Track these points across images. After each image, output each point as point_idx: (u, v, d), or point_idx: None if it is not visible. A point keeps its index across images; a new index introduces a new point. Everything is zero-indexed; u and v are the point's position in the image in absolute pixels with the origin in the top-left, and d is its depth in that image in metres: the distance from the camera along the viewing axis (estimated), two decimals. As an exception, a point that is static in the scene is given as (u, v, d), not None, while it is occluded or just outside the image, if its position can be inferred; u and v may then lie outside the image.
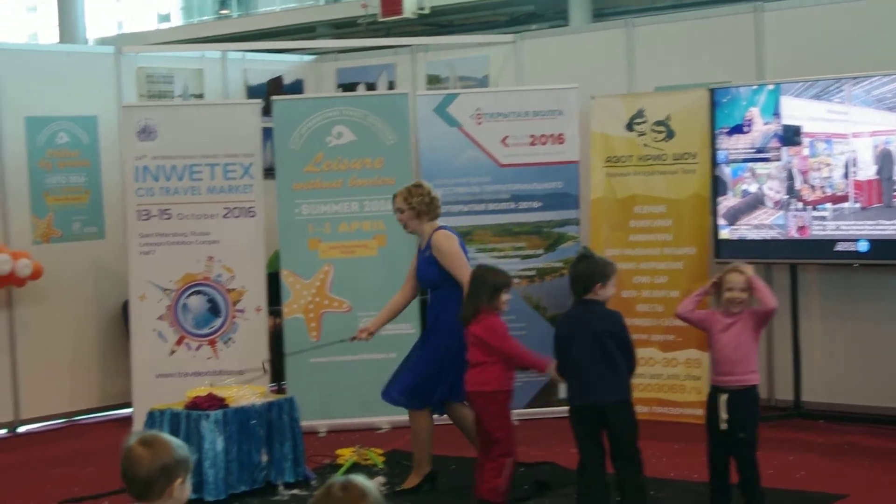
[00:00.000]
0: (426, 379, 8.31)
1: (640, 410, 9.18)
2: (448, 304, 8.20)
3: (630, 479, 7.03)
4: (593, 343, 6.99)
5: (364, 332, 8.73)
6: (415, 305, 10.29)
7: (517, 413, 10.13)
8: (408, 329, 10.33)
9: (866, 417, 9.84)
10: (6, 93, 10.95)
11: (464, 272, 8.09)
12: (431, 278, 8.38)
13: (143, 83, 11.93)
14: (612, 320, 7.12)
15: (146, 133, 10.61)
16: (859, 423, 9.76)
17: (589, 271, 7.11)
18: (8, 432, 11.03)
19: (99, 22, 31.99)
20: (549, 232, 10.46)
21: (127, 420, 10.72)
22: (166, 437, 4.28)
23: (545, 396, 10.41)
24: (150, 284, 10.62)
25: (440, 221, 8.50)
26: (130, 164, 10.64)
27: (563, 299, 9.43)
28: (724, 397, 7.00)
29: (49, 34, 33.92)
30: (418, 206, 8.39)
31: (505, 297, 7.67)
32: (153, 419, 8.45)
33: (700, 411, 9.74)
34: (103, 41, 29.86)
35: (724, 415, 6.98)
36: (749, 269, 7.16)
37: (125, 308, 11.11)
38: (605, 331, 7.02)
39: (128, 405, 10.90)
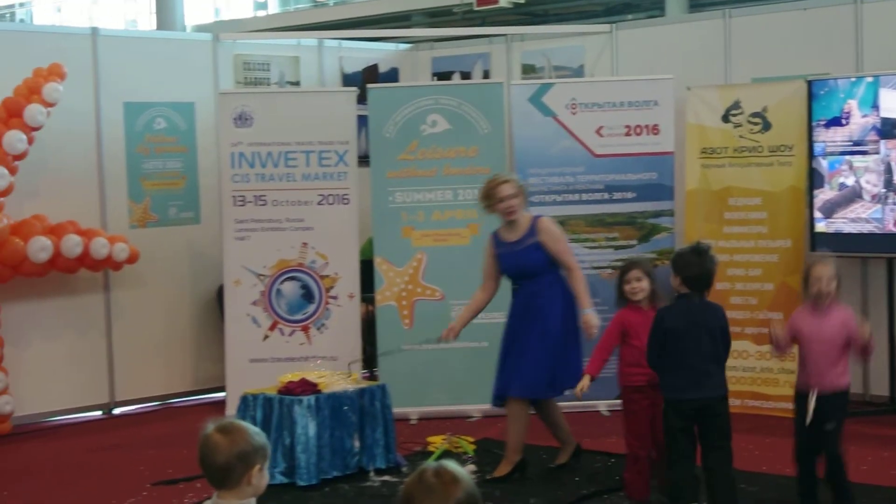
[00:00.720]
0: (548, 368, 8.33)
1: (733, 403, 9.13)
2: (555, 289, 8.34)
3: (722, 472, 7.00)
4: (708, 339, 6.96)
5: (450, 333, 8.75)
6: (506, 293, 10.32)
7: (608, 404, 10.14)
8: (499, 318, 10.33)
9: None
10: (106, 78, 11.09)
11: (572, 256, 8.42)
12: (538, 264, 8.38)
13: (240, 70, 12.03)
14: (722, 316, 7.10)
15: (242, 120, 10.70)
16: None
17: (712, 268, 7.08)
18: (103, 414, 11.18)
19: (196, 9, 32.28)
20: (643, 223, 10.42)
21: (220, 404, 10.82)
22: (244, 423, 4.32)
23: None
24: (245, 270, 10.71)
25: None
26: (226, 150, 10.74)
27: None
28: (813, 394, 6.97)
29: (147, 21, 34.23)
30: (525, 194, 8.54)
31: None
32: (246, 403, 8.53)
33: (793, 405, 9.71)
34: (201, 28, 30.17)
35: (811, 409, 6.96)
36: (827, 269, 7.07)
37: (220, 293, 11.22)
38: (718, 327, 7.01)
39: (221, 389, 11.02)
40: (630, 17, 24.48)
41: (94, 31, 11.20)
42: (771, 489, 7.86)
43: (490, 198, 8.49)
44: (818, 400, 6.95)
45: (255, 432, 4.28)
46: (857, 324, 7.01)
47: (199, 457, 4.25)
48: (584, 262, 10.32)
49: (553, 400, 8.61)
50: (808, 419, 6.98)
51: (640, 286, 7.77)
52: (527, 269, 8.44)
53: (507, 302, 10.10)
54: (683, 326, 7.00)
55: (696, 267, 7.05)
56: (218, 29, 26.43)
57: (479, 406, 10.27)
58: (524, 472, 8.49)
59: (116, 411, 11.27)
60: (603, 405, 10.26)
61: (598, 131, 10.47)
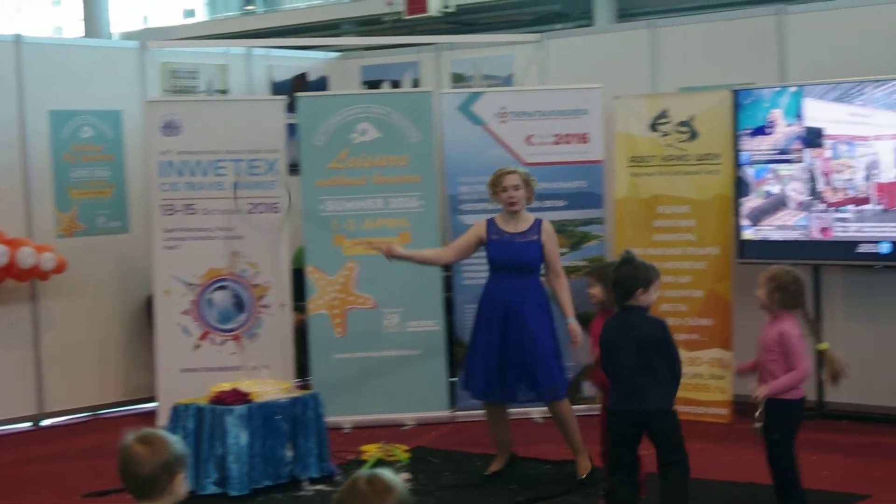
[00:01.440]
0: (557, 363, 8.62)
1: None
2: (541, 290, 8.59)
3: (673, 482, 6.96)
4: (636, 350, 6.90)
5: (389, 249, 8.88)
6: (438, 301, 10.37)
7: (541, 411, 10.19)
8: (432, 326, 10.40)
9: (889, 418, 9.85)
10: (30, 87, 11.00)
11: (560, 264, 8.72)
12: (533, 261, 8.59)
13: (168, 78, 11.98)
14: (655, 328, 7.00)
15: (170, 128, 10.66)
16: (882, 424, 9.77)
17: (630, 276, 6.97)
18: (32, 426, 11.09)
19: (124, 16, 32.07)
20: (573, 231, 10.49)
21: (151, 414, 10.75)
22: (162, 433, 4.34)
23: (570, 394, 10.41)
24: (175, 279, 10.67)
25: None
26: (154, 158, 10.68)
27: (587, 297, 9.50)
28: (761, 402, 7.06)
29: (73, 28, 33.98)
30: (531, 192, 8.72)
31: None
32: (178, 414, 8.49)
33: (724, 410, 9.84)
34: (128, 36, 29.91)
35: (757, 415, 7.07)
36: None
37: (149, 302, 11.16)
38: (647, 338, 6.91)
39: (152, 399, 10.94)
40: (559, 26, 24.52)
41: (18, 37, 11.08)
42: (701, 493, 7.90)
43: (495, 185, 8.66)
44: (766, 403, 7.04)
45: (175, 440, 4.31)
46: (790, 339, 7.07)
47: (120, 469, 4.28)
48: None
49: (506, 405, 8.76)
50: (756, 426, 7.07)
51: (591, 292, 7.92)
52: (521, 261, 8.57)
53: (438, 310, 10.18)
54: (611, 338, 7.03)
55: (613, 275, 7.11)
56: (145, 36, 26.33)
57: (412, 414, 10.31)
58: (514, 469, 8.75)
59: (45, 423, 11.16)
60: (536, 412, 10.31)
61: (527, 140, 10.52)
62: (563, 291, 8.60)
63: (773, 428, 7.08)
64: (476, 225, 8.85)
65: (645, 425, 6.93)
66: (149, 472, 4.20)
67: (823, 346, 7.33)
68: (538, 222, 8.64)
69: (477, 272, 10.36)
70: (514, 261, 8.57)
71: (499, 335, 8.47)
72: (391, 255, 8.84)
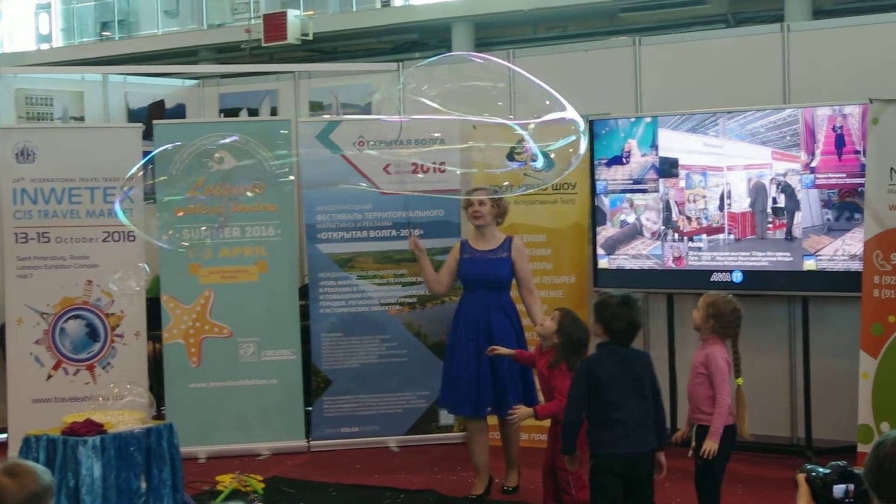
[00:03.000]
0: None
1: (520, 437, 9.30)
2: (510, 307, 8.83)
3: None
4: (637, 390, 6.77)
5: (416, 243, 9.27)
6: (295, 330, 10.33)
7: (398, 440, 10.20)
8: (289, 355, 10.35)
9: (743, 445, 9.96)
10: None
11: (532, 280, 8.96)
12: (502, 278, 8.85)
13: (22, 105, 11.82)
14: (649, 363, 6.94)
15: (24, 155, 10.50)
16: (736, 451, 9.87)
17: (639, 319, 6.99)
18: None
19: (-24, 41, 31.57)
20: (430, 259, 10.50)
21: (2, 445, 10.55)
22: (29, 464, 4.27)
23: (426, 423, 10.45)
24: (28, 308, 10.49)
25: None
26: (8, 186, 10.51)
27: (443, 327, 9.54)
28: (695, 428, 7.16)
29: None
30: (501, 208, 8.95)
31: None
32: (29, 445, 8.32)
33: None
34: (-19, 61, 29.47)
35: (692, 440, 7.17)
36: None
37: (1, 332, 10.96)
38: (647, 376, 6.85)
39: (3, 430, 10.74)
40: (417, 55, 24.68)
41: None
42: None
43: (466, 202, 8.97)
44: (696, 430, 7.13)
45: (42, 471, 4.24)
46: (715, 362, 7.10)
47: None
48: (373, 298, 10.40)
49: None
50: (690, 451, 7.15)
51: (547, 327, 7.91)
52: (490, 278, 8.82)
53: (295, 339, 10.14)
54: (613, 377, 6.76)
55: (627, 316, 6.86)
56: (0, 62, 25.91)
57: (268, 444, 10.25)
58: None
59: None
60: (392, 441, 10.31)
61: (385, 169, 10.53)
62: (535, 306, 8.82)
63: (699, 455, 7.09)
64: (453, 247, 9.19)
65: (635, 468, 6.78)
66: None
67: (739, 381, 7.35)
68: (508, 240, 8.93)
69: (333, 300, 10.37)
70: (482, 278, 8.85)
71: (472, 351, 8.72)
72: (416, 249, 9.23)
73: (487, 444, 8.93)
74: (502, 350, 8.34)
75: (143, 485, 8.41)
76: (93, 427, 8.30)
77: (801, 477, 4.65)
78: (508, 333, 8.70)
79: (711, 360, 7.09)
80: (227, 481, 9.23)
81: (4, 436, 10.65)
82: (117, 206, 8.63)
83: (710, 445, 7.01)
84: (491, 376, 8.68)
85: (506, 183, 9.63)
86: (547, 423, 7.88)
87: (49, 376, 10.51)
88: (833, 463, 4.66)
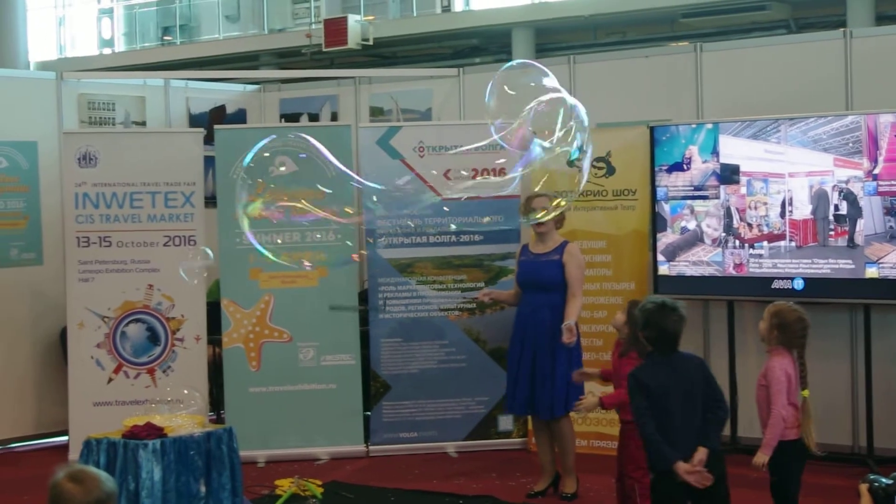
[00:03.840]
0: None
1: (580, 444, 9.29)
2: (559, 309, 8.86)
3: None
4: (691, 396, 6.51)
5: (488, 294, 9.53)
6: (355, 335, 10.35)
7: (456, 445, 10.20)
8: (348, 360, 10.37)
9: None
10: (-54, 116, 10.90)
11: (581, 286, 9.03)
12: (552, 279, 8.96)
13: (85, 109, 11.90)
14: (702, 367, 6.68)
15: (87, 160, 10.57)
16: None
17: (680, 327, 6.61)
18: (-59, 459, 10.94)
19: (40, 46, 31.81)
20: (489, 265, 10.50)
21: (63, 448, 10.63)
22: (93, 470, 4.28)
23: (484, 428, 10.44)
24: (89, 312, 10.56)
25: None
26: (70, 190, 10.59)
27: (504, 332, 9.53)
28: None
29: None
30: (562, 215, 9.08)
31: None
32: (90, 448, 8.37)
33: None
34: (44, 66, 29.71)
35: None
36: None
37: (63, 335, 11.05)
38: (698, 380, 6.57)
39: (64, 433, 10.82)
40: (478, 60, 24.69)
41: (-66, 68, 11.00)
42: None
43: (525, 207, 8.88)
44: None
45: (106, 478, 4.25)
46: (773, 374, 7.00)
47: None
48: (432, 303, 10.40)
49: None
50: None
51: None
52: (540, 280, 9.00)
53: (354, 344, 10.17)
54: (661, 384, 6.52)
55: (672, 325, 6.58)
56: (62, 67, 26.13)
57: (326, 448, 10.27)
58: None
59: (-46, 457, 11.02)
60: (451, 447, 10.31)
61: (445, 174, 10.52)
62: (570, 306, 8.85)
63: (772, 471, 7.02)
64: (517, 253, 9.42)
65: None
66: None
67: (805, 393, 7.14)
68: (564, 243, 9.07)
69: (392, 306, 10.38)
70: (533, 279, 9.06)
71: (517, 351, 9.00)
72: (492, 298, 9.60)
73: (549, 442, 9.00)
74: (589, 370, 8.41)
75: (203, 489, 8.44)
76: (153, 430, 8.33)
77: (863, 487, 4.62)
78: (546, 334, 8.83)
79: (769, 371, 7.01)
80: (286, 486, 9.25)
81: (65, 438, 10.73)
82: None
83: (760, 458, 6.92)
84: (550, 376, 8.81)
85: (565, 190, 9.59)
86: (606, 429, 7.84)
87: (110, 380, 10.57)
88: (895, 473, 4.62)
